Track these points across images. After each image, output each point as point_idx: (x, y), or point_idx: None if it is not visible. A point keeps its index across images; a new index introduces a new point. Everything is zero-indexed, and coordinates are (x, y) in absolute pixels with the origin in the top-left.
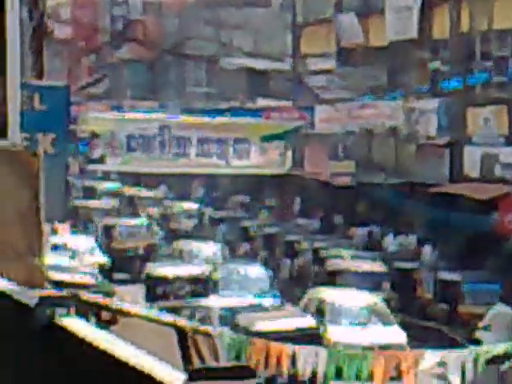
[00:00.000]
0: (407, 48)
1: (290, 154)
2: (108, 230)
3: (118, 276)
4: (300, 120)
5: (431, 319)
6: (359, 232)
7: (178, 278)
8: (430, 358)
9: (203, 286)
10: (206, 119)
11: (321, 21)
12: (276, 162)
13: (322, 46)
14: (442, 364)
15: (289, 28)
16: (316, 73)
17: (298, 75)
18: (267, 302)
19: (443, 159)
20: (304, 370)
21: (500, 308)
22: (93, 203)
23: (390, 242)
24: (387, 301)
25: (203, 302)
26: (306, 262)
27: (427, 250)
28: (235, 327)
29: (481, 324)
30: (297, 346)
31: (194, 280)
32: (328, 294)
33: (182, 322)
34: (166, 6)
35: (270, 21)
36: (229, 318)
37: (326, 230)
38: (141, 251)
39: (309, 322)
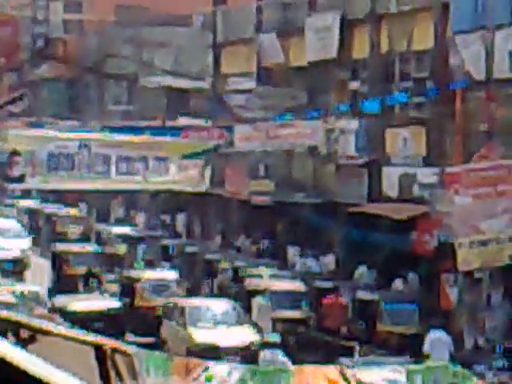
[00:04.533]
0: (327, 68)
1: (208, 172)
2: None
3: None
4: (219, 139)
5: (350, 338)
6: (292, 252)
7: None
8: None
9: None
10: (126, 137)
11: (241, 40)
12: (195, 180)
13: (243, 66)
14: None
15: (209, 47)
16: (236, 92)
17: (218, 94)
18: None
19: (362, 179)
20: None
21: (435, 334)
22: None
23: (312, 262)
24: (305, 319)
25: None
26: (226, 280)
27: (361, 270)
28: (53, 309)
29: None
30: (212, 362)
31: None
32: (188, 301)
33: (100, 340)
34: (86, 25)
35: (190, 40)
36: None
37: (243, 248)
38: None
39: (112, 304)
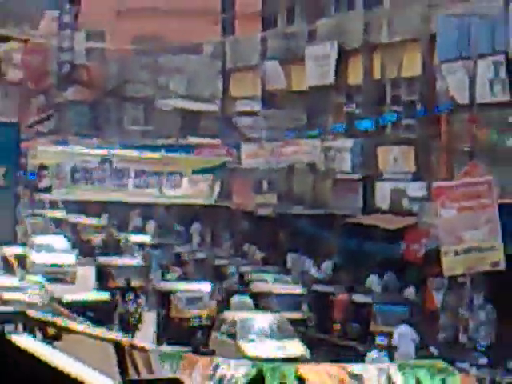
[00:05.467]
0: (325, 92)
1: (217, 186)
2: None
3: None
4: (228, 156)
5: (345, 337)
6: (292, 257)
7: None
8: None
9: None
10: (143, 154)
11: (248, 67)
12: (205, 193)
13: (249, 90)
14: (355, 376)
15: (219, 73)
16: (243, 114)
17: (226, 116)
18: None
19: (357, 193)
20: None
21: (401, 329)
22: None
23: (311, 268)
24: (305, 320)
25: None
26: (233, 284)
27: (372, 278)
28: (53, 299)
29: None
30: (221, 359)
31: None
32: (238, 314)
33: (119, 337)
34: (107, 53)
35: (202, 66)
36: None
37: (249, 256)
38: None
39: (102, 296)
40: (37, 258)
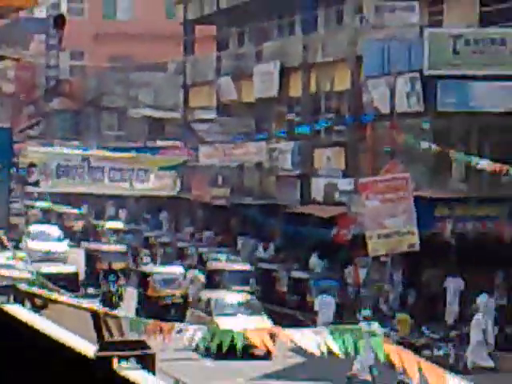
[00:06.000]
0: (269, 103)
1: (179, 181)
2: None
3: None
4: (188, 156)
5: (286, 306)
6: (242, 241)
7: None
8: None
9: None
10: (117, 154)
11: (205, 82)
12: (169, 187)
13: (205, 101)
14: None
15: (180, 87)
16: (200, 121)
17: (186, 122)
18: None
19: (296, 187)
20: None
21: (322, 298)
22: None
23: (258, 249)
24: (252, 292)
25: None
26: (193, 263)
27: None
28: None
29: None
30: (182, 324)
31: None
32: (213, 294)
33: (95, 307)
34: (87, 69)
35: (166, 81)
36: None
37: (206, 239)
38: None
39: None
40: (33, 245)
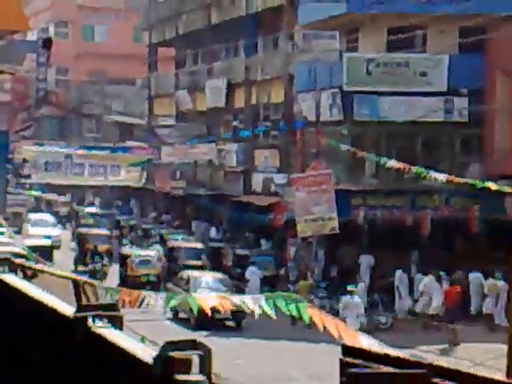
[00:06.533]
0: (218, 112)
1: (145, 174)
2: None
3: None
4: (152, 155)
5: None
6: (195, 224)
7: None
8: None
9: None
10: (94, 153)
11: (166, 94)
12: (136, 179)
13: (167, 110)
14: (236, 304)
15: (146, 98)
16: (162, 126)
17: (151, 127)
18: None
19: (240, 180)
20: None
21: (251, 269)
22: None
23: (209, 231)
24: (203, 266)
25: None
26: (156, 241)
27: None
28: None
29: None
30: (147, 292)
31: None
32: (191, 273)
33: (76, 276)
34: (70, 83)
35: (134, 93)
36: None
37: (166, 222)
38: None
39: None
40: (33, 230)
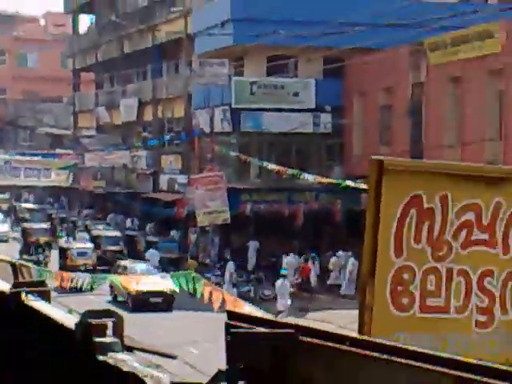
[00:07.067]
0: (131, 125)
1: (71, 176)
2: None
3: None
4: (77, 160)
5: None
6: (110, 216)
7: None
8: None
9: None
10: (28, 158)
11: (88, 110)
12: (64, 180)
13: (88, 123)
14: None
15: (71, 113)
16: (85, 137)
17: (76, 137)
18: None
19: (149, 180)
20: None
21: (150, 251)
22: None
23: (124, 222)
24: (121, 251)
25: None
26: (81, 230)
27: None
28: None
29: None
30: (75, 274)
31: None
32: (127, 262)
33: (13, 260)
34: (8, 100)
35: (62, 109)
36: None
37: (90, 216)
38: None
39: None
40: None
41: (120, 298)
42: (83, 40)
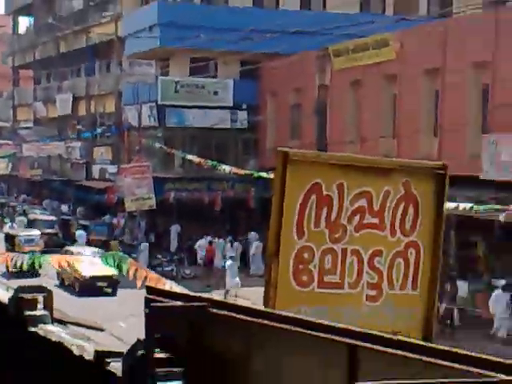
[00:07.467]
0: (66, 118)
1: (11, 165)
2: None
3: None
4: (16, 149)
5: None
6: (46, 202)
7: None
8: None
9: None
10: None
11: (26, 104)
12: (4, 169)
13: (27, 116)
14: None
15: (11, 107)
16: (24, 128)
17: (15, 129)
18: None
19: (83, 169)
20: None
21: (79, 232)
22: None
23: (61, 207)
24: (56, 234)
25: None
26: (20, 213)
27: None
28: None
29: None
30: (16, 254)
31: None
32: (72, 248)
33: None
34: None
35: (2, 104)
36: None
37: (27, 201)
38: None
39: None
40: None
41: (67, 283)
42: (22, 40)
